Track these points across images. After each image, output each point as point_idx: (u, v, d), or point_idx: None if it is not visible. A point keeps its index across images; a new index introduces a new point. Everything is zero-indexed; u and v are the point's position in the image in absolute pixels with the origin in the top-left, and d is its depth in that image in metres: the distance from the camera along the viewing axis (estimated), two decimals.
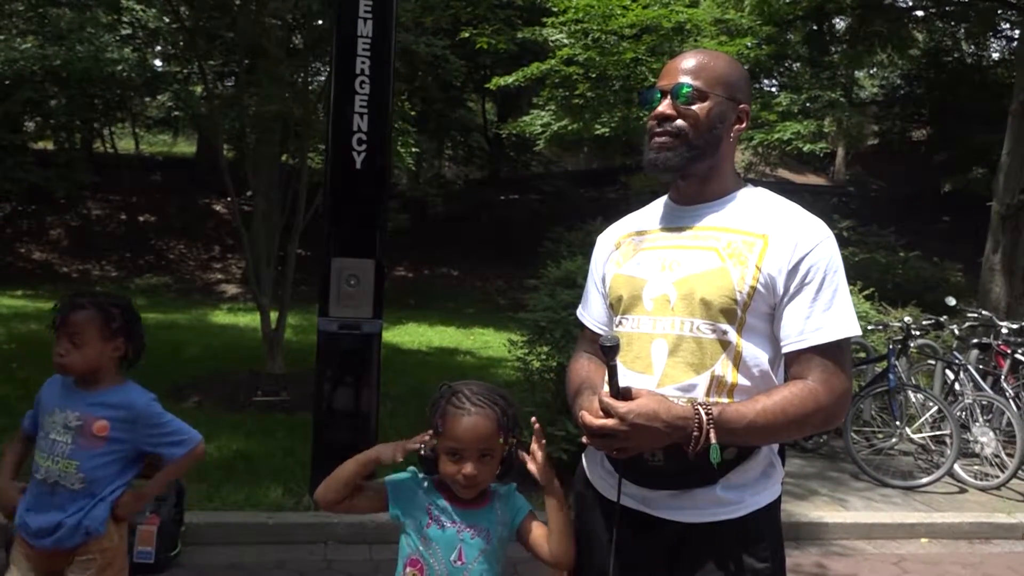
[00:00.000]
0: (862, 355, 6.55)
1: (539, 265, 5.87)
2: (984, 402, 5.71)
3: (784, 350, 1.56)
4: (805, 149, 12.95)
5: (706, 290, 1.55)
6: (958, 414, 5.58)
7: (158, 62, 13.24)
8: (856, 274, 9.34)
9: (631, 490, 1.61)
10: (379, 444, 1.78)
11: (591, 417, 1.49)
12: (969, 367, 5.95)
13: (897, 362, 5.69)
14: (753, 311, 1.55)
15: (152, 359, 8.15)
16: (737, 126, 1.65)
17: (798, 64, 16.06)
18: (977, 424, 5.62)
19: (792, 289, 1.55)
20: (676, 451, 1.49)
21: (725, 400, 1.53)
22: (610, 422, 1.46)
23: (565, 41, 11.59)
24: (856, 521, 4.69)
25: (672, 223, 1.69)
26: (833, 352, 1.54)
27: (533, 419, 1.73)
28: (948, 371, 6.21)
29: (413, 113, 11.57)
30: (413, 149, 12.25)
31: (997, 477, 5.37)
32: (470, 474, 1.66)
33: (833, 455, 6.03)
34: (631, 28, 11.04)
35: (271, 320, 6.90)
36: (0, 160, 14.09)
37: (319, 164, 7.90)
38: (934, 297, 9.19)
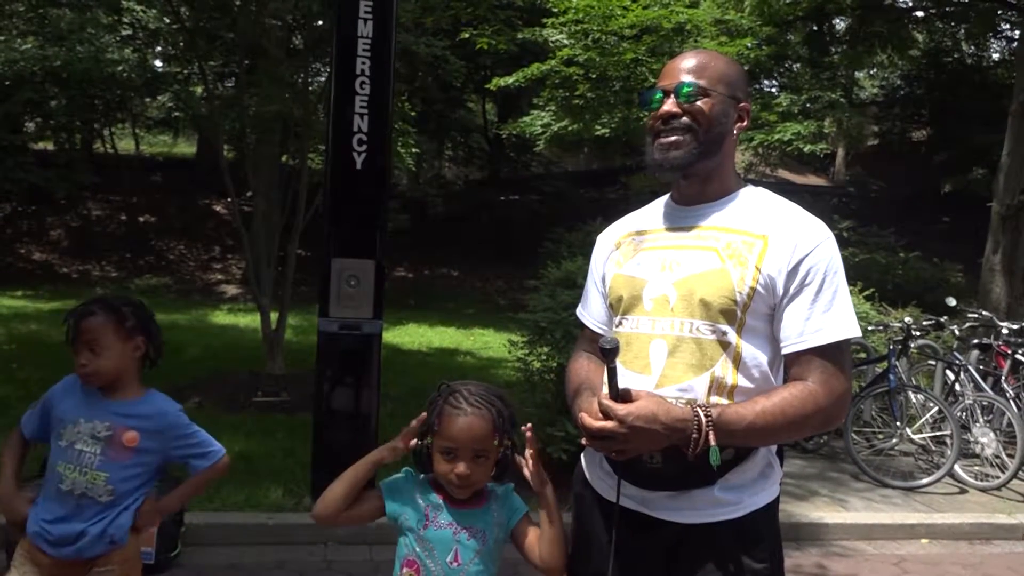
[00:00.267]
0: (862, 356, 6.55)
1: (539, 266, 5.86)
2: (984, 403, 5.70)
3: (784, 351, 1.56)
4: (805, 150, 12.95)
5: (706, 291, 1.55)
6: (958, 415, 5.58)
7: (158, 63, 13.25)
8: (856, 275, 9.34)
9: (630, 491, 1.61)
10: (375, 449, 1.77)
11: (590, 419, 1.49)
12: (969, 367, 5.95)
13: (897, 363, 5.69)
14: (753, 312, 1.55)
15: None
16: (739, 124, 1.65)
17: (798, 65, 16.06)
18: (977, 425, 5.62)
19: (792, 290, 1.54)
20: (675, 453, 1.48)
21: (725, 401, 1.53)
22: (609, 424, 1.46)
23: (565, 42, 11.59)
24: (856, 522, 4.69)
25: (672, 223, 1.69)
26: (833, 353, 1.53)
27: (524, 427, 1.72)
28: (948, 372, 6.21)
29: (413, 114, 11.57)
30: (413, 149, 12.25)
31: (997, 478, 5.37)
32: (463, 473, 1.66)
33: (833, 456, 6.03)
34: (631, 29, 11.04)
35: (271, 320, 6.90)
36: (0, 160, 14.09)
37: (319, 164, 7.89)
38: (934, 298, 9.20)
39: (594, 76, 11.44)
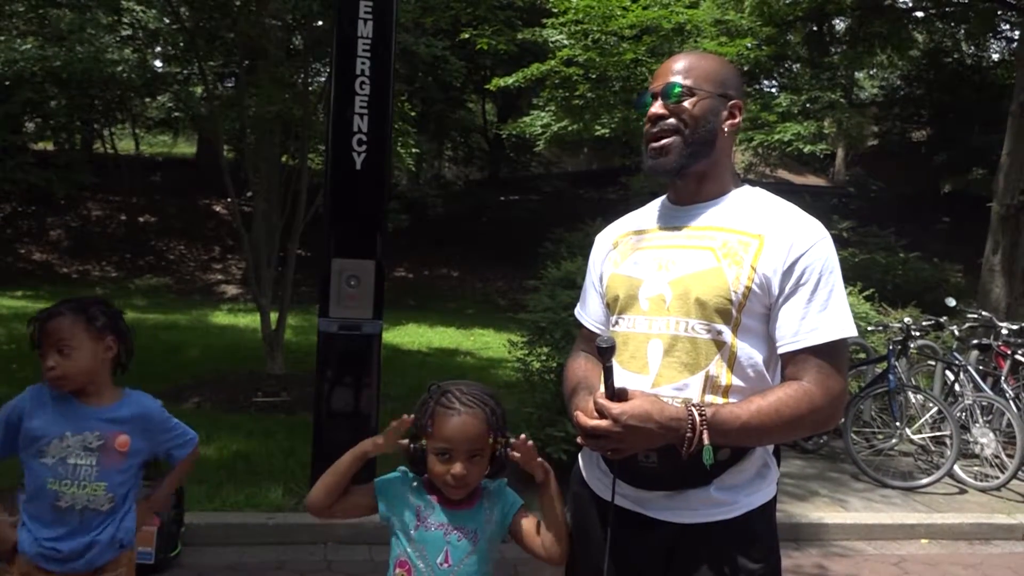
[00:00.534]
0: (862, 356, 6.55)
1: (539, 266, 5.87)
2: (984, 403, 5.71)
3: (779, 351, 1.56)
4: (805, 150, 12.96)
5: (701, 290, 1.56)
6: (958, 415, 5.58)
7: (158, 63, 13.24)
8: (856, 275, 9.36)
9: (626, 490, 1.61)
10: (361, 442, 1.77)
11: (585, 418, 1.50)
12: (969, 368, 5.95)
13: (897, 363, 5.70)
14: (748, 311, 1.55)
15: (152, 360, 8.10)
16: (731, 121, 1.66)
17: (798, 65, 16.08)
18: (977, 425, 5.62)
19: (787, 289, 1.54)
20: (670, 452, 1.49)
21: (720, 400, 1.53)
22: (604, 423, 1.46)
23: (565, 42, 11.59)
24: (856, 522, 4.69)
25: (669, 223, 1.70)
26: (829, 353, 1.53)
27: (516, 438, 1.71)
28: (948, 372, 6.21)
29: (413, 114, 11.56)
30: (413, 150, 12.24)
31: (997, 478, 5.37)
32: (459, 474, 1.65)
33: (833, 456, 6.03)
34: (631, 29, 11.04)
35: (271, 321, 6.90)
36: (0, 161, 14.09)
37: (319, 165, 7.91)
38: (934, 298, 9.21)
39: (594, 76, 11.45)
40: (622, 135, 12.28)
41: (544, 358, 5.04)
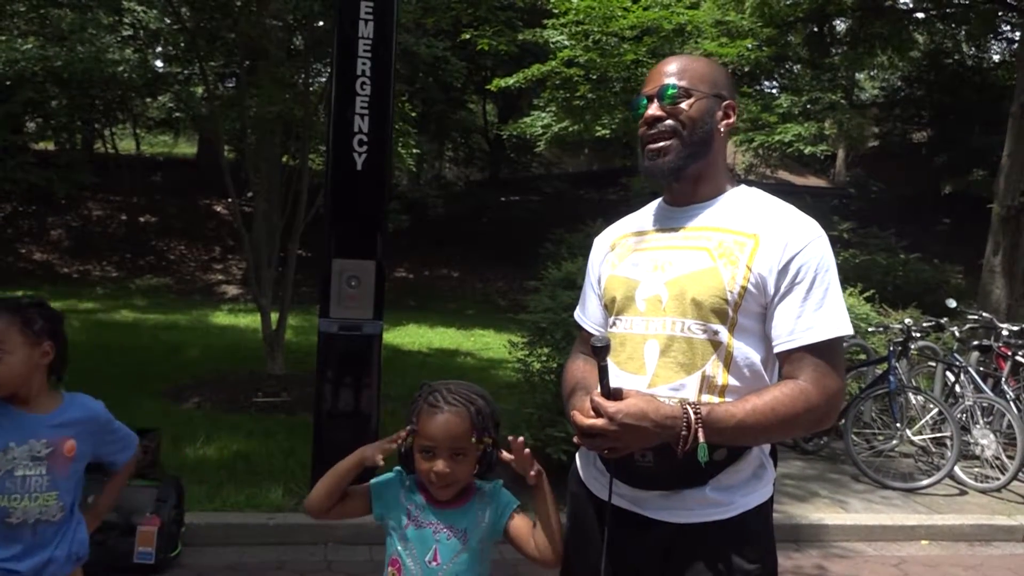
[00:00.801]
0: (862, 357, 6.55)
1: (539, 266, 5.87)
2: (985, 404, 5.71)
3: (775, 350, 1.57)
4: (806, 151, 12.96)
5: (697, 290, 1.56)
6: (958, 416, 5.57)
7: (159, 63, 13.23)
8: (857, 276, 9.35)
9: (623, 490, 1.61)
10: (362, 447, 1.78)
11: (582, 416, 1.50)
12: (970, 369, 5.95)
13: (897, 364, 5.69)
14: (744, 311, 1.56)
15: (153, 360, 8.12)
16: (726, 121, 1.67)
17: (799, 66, 16.08)
18: (977, 426, 5.62)
19: (783, 289, 1.55)
20: (666, 452, 1.49)
21: (717, 400, 1.54)
22: (600, 422, 1.46)
23: (566, 43, 11.59)
24: (856, 523, 4.69)
25: (665, 224, 1.70)
26: (825, 352, 1.53)
27: (511, 439, 1.72)
28: (948, 373, 6.21)
29: (414, 114, 11.56)
30: (414, 150, 12.24)
31: (997, 479, 5.37)
32: (441, 472, 1.66)
33: (833, 457, 6.03)
34: (632, 30, 11.04)
35: (271, 321, 6.90)
36: (1, 161, 14.09)
37: (320, 165, 7.91)
38: (934, 299, 9.21)
39: (595, 77, 11.45)
40: (623, 136, 12.28)
41: (545, 359, 5.04)
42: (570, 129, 12.74)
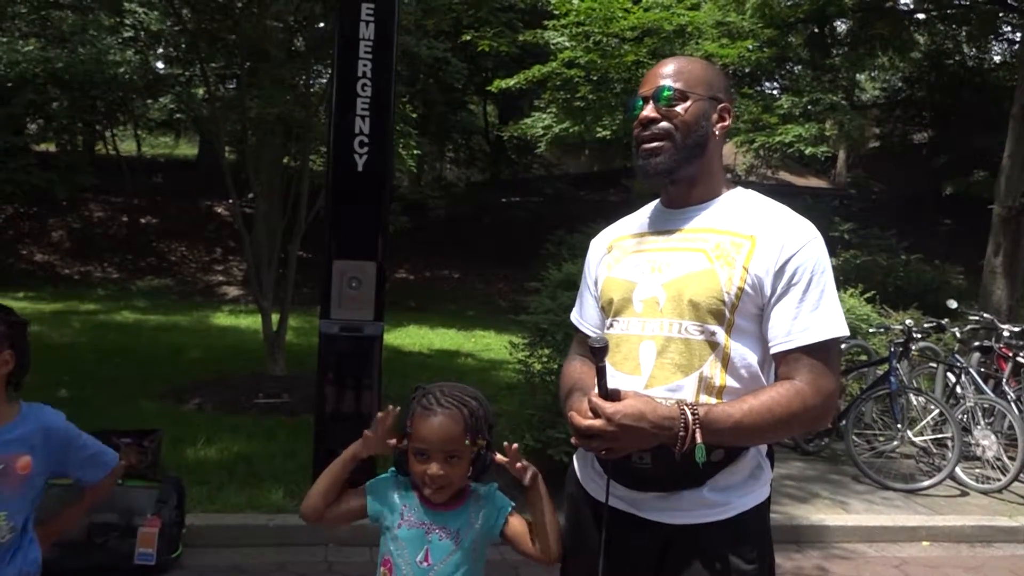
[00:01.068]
0: (863, 358, 6.55)
1: (540, 267, 5.87)
2: (986, 405, 5.70)
3: (772, 351, 1.57)
4: (807, 152, 12.94)
5: (694, 291, 1.57)
6: (959, 417, 5.57)
7: (160, 64, 13.27)
8: (857, 277, 9.35)
9: (620, 492, 1.62)
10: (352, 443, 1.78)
11: (579, 417, 1.51)
12: (970, 370, 5.94)
13: (898, 365, 5.69)
14: (741, 312, 1.56)
15: (154, 361, 8.11)
16: (721, 123, 1.67)
17: (799, 67, 16.06)
18: (979, 427, 5.61)
19: (779, 290, 1.55)
20: (663, 453, 1.50)
21: (714, 401, 1.54)
22: (597, 423, 1.47)
23: (566, 44, 11.60)
24: (857, 524, 4.68)
25: (662, 226, 1.71)
26: (821, 352, 1.54)
27: (508, 445, 1.72)
28: (949, 374, 6.20)
29: (415, 115, 11.60)
30: (415, 151, 12.27)
31: (999, 480, 5.37)
32: (435, 474, 1.66)
33: (834, 458, 6.02)
34: (632, 31, 11.05)
35: (272, 322, 6.90)
36: (2, 162, 14.12)
37: (321, 166, 7.91)
38: (935, 300, 9.19)
39: (595, 78, 11.46)
40: (623, 137, 12.26)
41: (545, 360, 5.04)
42: (571, 130, 12.73)
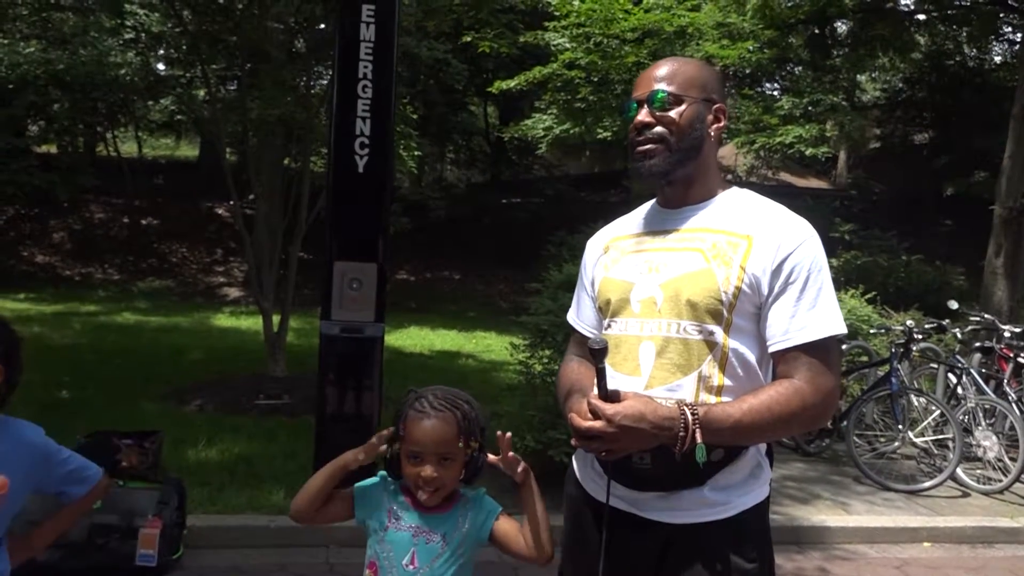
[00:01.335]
0: (864, 359, 6.55)
1: (541, 268, 5.87)
2: (987, 406, 5.70)
3: (770, 350, 1.58)
4: (807, 153, 12.94)
5: (692, 291, 1.57)
6: (961, 418, 5.56)
7: (161, 66, 13.27)
8: (858, 277, 9.36)
9: (620, 492, 1.62)
10: (346, 451, 1.78)
11: (579, 419, 1.51)
12: (972, 371, 5.94)
13: (899, 366, 5.69)
14: (739, 311, 1.56)
15: (155, 363, 8.10)
16: (716, 125, 1.67)
17: (800, 68, 16.06)
18: (980, 428, 5.61)
19: (776, 289, 1.56)
20: (663, 453, 1.50)
21: (713, 400, 1.55)
22: (597, 424, 1.47)
23: (567, 45, 11.60)
24: (858, 525, 4.68)
25: (658, 226, 1.71)
26: (819, 351, 1.54)
27: (501, 434, 1.72)
28: (951, 375, 6.20)
29: (415, 117, 11.60)
30: (415, 152, 12.27)
31: (1000, 481, 5.36)
32: (429, 477, 1.67)
33: (835, 459, 6.02)
34: (633, 32, 11.05)
35: (273, 323, 6.91)
36: (4, 163, 14.13)
37: (321, 167, 7.92)
38: (936, 300, 9.19)
39: (596, 79, 11.45)
40: (624, 138, 12.14)
41: (546, 361, 5.04)
42: (571, 131, 12.73)
